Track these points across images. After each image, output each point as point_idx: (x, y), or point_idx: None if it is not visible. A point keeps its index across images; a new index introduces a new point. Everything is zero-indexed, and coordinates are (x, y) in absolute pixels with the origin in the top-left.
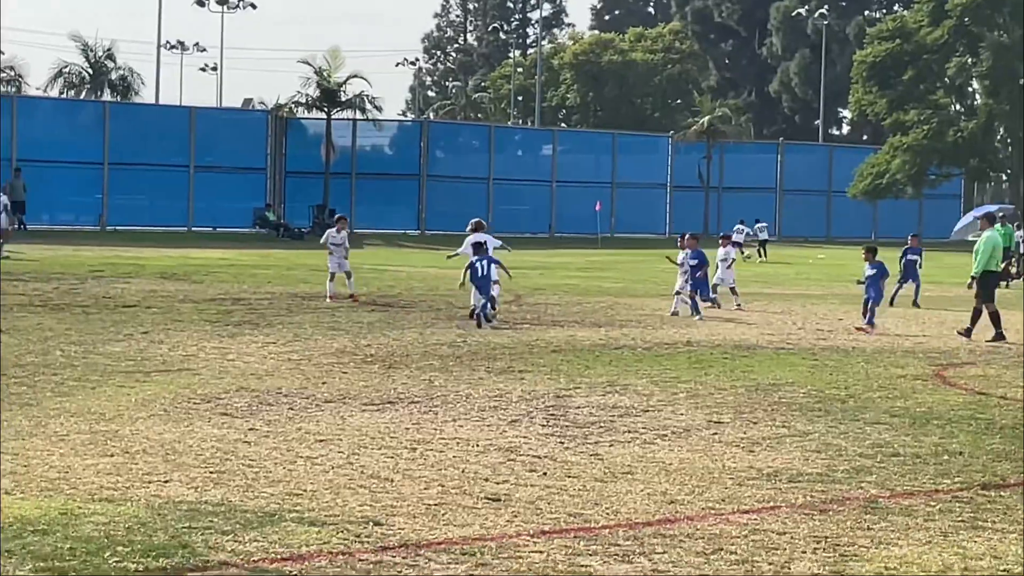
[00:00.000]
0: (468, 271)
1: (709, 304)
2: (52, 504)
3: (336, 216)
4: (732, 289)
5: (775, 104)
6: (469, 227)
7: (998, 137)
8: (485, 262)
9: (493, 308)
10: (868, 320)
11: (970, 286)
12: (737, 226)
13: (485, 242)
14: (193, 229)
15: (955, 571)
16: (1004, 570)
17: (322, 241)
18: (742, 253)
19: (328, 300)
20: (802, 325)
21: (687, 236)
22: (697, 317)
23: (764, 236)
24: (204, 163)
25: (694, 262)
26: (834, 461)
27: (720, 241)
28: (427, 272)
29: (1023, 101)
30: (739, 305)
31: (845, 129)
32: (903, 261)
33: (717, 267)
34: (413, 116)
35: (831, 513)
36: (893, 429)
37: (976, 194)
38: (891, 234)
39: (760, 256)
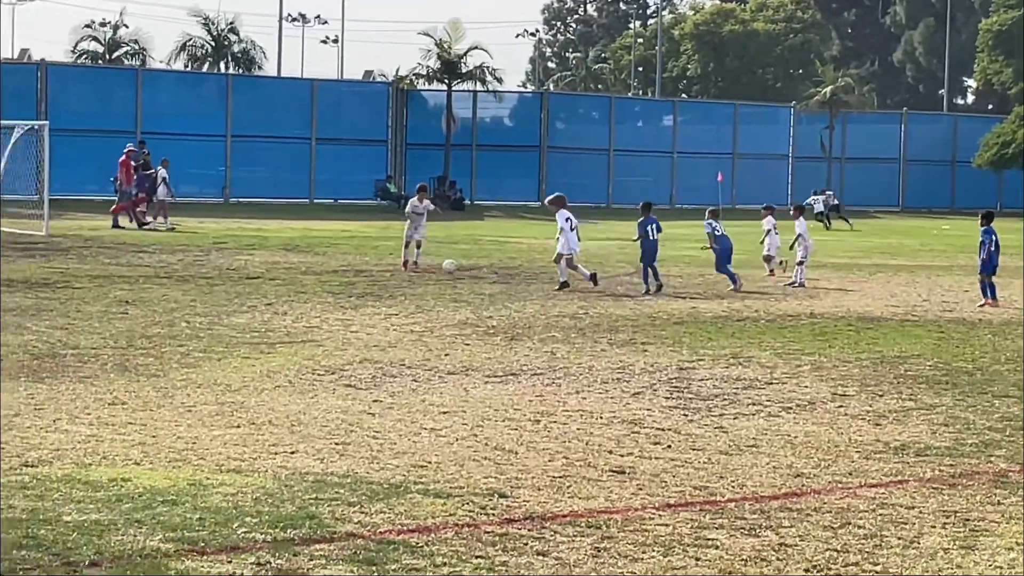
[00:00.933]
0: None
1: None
2: (180, 475)
3: (417, 185)
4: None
5: (899, 73)
6: (551, 201)
7: None
8: (653, 226)
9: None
10: (989, 295)
11: None
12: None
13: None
14: (315, 201)
15: None
16: None
17: (406, 211)
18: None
19: (403, 268)
20: (927, 297)
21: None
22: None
23: (819, 207)
24: (326, 135)
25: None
26: (962, 435)
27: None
28: (548, 244)
29: None
30: (772, 272)
31: (970, 98)
32: None
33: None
34: (533, 87)
35: (960, 487)
36: (1022, 402)
37: None
38: (1016, 205)
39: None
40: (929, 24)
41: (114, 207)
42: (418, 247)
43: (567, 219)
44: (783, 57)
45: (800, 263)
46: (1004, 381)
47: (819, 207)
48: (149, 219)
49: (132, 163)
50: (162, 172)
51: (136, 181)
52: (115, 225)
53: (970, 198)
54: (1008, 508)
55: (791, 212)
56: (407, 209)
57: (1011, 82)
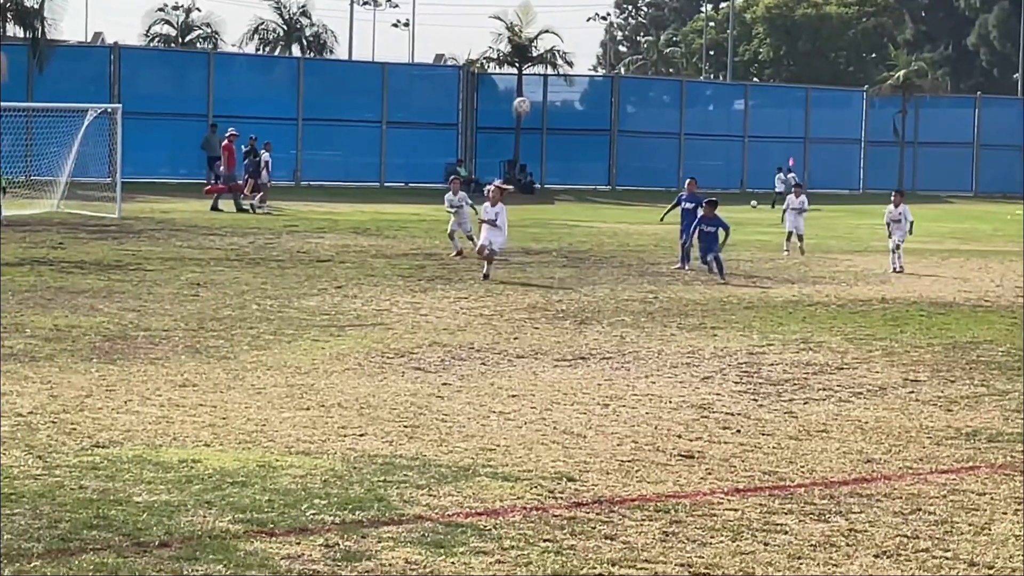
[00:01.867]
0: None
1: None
2: (250, 456)
3: (450, 178)
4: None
5: (972, 57)
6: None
7: None
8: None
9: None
10: None
11: None
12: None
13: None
14: (385, 185)
15: None
16: None
17: (445, 207)
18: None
19: (455, 256)
20: (1000, 282)
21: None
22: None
23: (780, 187)
24: (396, 119)
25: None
26: None
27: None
28: (618, 228)
29: None
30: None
31: None
32: None
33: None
34: (604, 71)
35: None
36: None
37: None
38: None
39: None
40: (1003, 7)
41: (208, 187)
42: (468, 237)
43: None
44: (856, 41)
45: (895, 249)
46: None
47: (780, 187)
48: (247, 204)
49: (234, 148)
50: (265, 156)
51: (246, 166)
52: (214, 208)
53: None
54: None
55: (892, 197)
56: (445, 205)
57: None
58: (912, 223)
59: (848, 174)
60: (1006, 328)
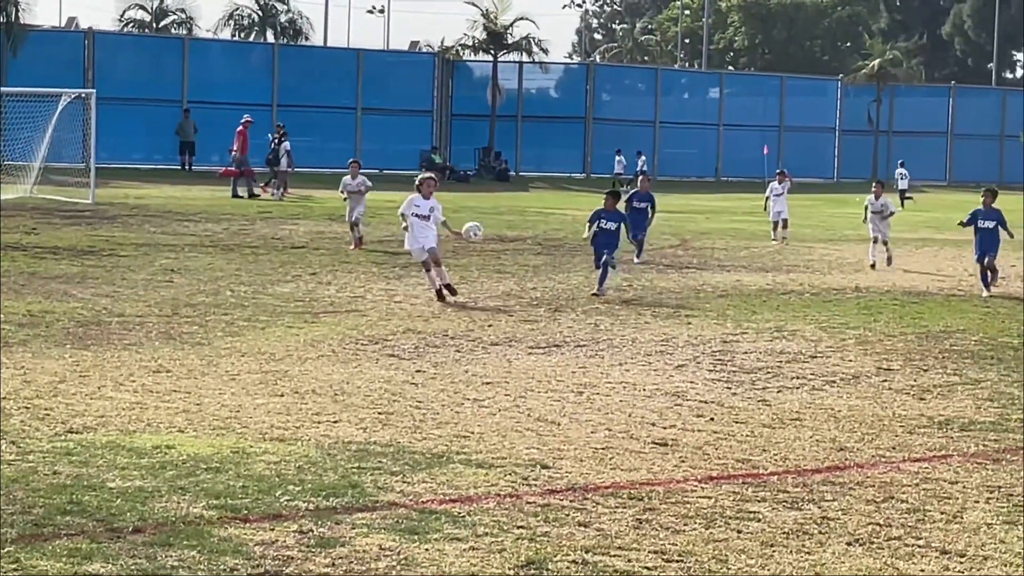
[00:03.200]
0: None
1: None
2: (224, 442)
3: (349, 160)
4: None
5: (947, 47)
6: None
7: None
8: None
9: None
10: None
11: None
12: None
13: None
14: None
15: None
16: None
17: (339, 190)
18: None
19: (352, 249)
20: (973, 272)
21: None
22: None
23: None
24: (371, 105)
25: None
26: (1007, 410)
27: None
28: None
29: None
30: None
31: (1019, 72)
32: None
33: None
34: (579, 59)
35: (1004, 463)
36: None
37: None
38: None
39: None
40: None
41: (223, 171)
42: (355, 225)
43: None
44: (831, 29)
45: (876, 241)
46: None
47: (619, 168)
48: (258, 191)
49: (248, 134)
50: (285, 145)
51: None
52: (234, 195)
53: (1018, 173)
54: None
55: (872, 188)
56: (342, 188)
57: None
58: (894, 214)
59: (823, 163)
60: (979, 317)
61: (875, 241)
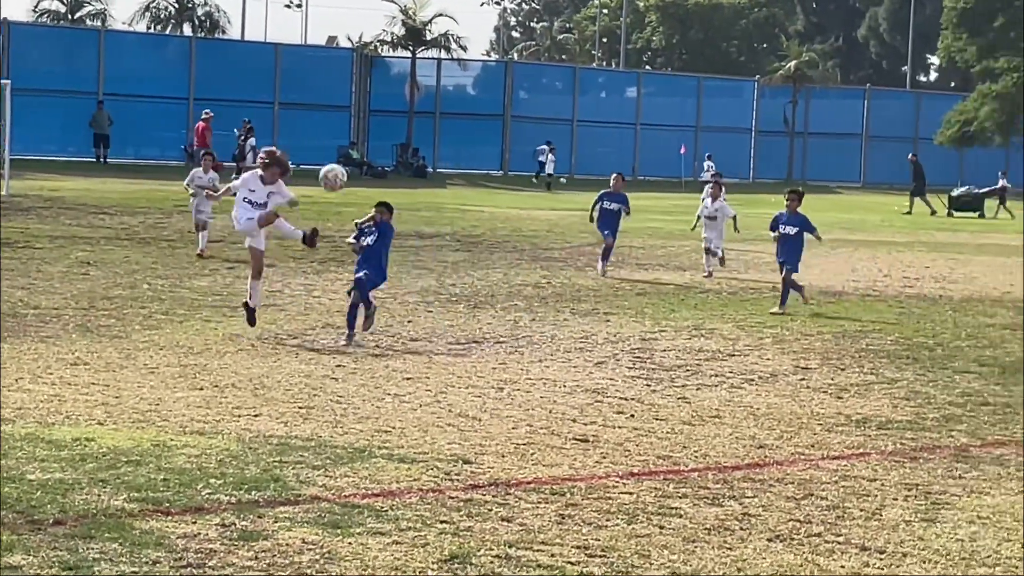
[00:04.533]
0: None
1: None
2: (144, 435)
3: (202, 152)
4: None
5: (863, 49)
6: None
7: None
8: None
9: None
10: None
11: None
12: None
13: None
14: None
15: None
16: None
17: (185, 183)
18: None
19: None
20: (888, 272)
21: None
22: None
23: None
24: (289, 100)
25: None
26: (923, 409)
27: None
28: (510, 213)
29: None
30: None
31: (933, 76)
32: None
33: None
34: (497, 56)
35: (921, 461)
36: (983, 378)
37: None
38: (977, 182)
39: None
40: (893, 0)
41: (215, 164)
42: (203, 228)
43: None
44: (748, 30)
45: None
46: (964, 357)
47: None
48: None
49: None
50: (251, 141)
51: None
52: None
53: (932, 175)
54: (968, 482)
55: (710, 189)
56: (189, 181)
57: (974, 60)
58: (735, 217)
59: (738, 163)
60: (894, 317)
61: (708, 252)
